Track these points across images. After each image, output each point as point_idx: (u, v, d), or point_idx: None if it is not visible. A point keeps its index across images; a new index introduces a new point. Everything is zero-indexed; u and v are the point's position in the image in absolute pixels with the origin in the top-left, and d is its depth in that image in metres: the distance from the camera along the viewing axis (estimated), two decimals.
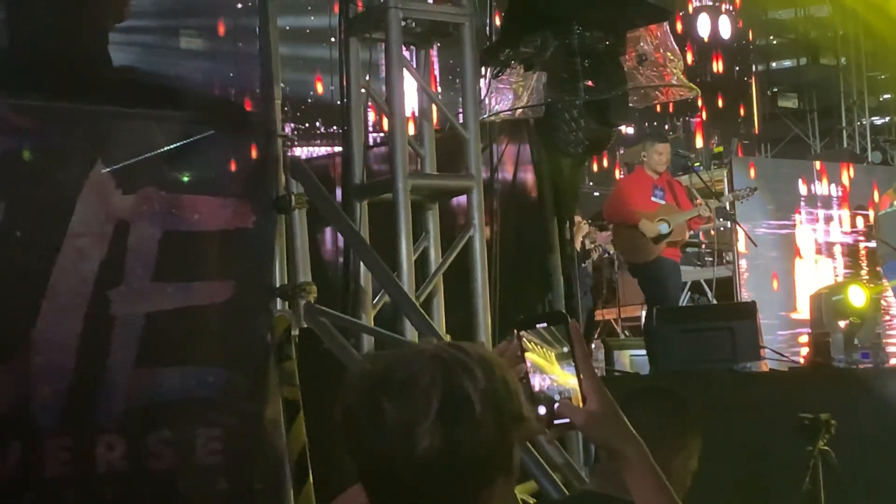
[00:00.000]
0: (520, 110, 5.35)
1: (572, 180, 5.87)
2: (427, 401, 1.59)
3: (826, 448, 5.65)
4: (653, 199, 9.31)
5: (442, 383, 1.60)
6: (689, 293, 11.72)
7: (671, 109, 14.41)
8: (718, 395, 6.70)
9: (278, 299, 4.53)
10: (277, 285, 4.54)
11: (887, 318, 10.93)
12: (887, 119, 19.10)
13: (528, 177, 6.81)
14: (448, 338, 5.21)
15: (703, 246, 12.56)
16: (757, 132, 17.05)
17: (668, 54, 5.14)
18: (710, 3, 16.17)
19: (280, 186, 4.46)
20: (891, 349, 10.33)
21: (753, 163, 12.39)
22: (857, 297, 7.61)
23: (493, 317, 5.46)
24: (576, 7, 4.91)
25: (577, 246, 11.73)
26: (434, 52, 6.14)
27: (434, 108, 5.35)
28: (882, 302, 10.07)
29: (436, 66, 11.22)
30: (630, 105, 5.28)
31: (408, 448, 1.58)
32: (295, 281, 4.54)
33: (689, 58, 14.48)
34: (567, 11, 4.90)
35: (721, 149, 13.17)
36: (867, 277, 12.18)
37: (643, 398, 3.16)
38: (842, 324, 7.65)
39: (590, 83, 4.87)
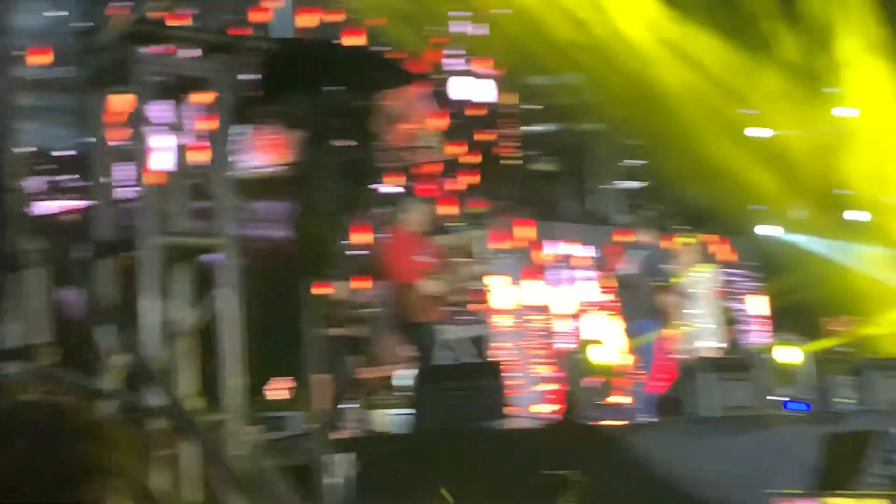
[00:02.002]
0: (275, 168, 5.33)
1: (328, 238, 5.87)
2: None
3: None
4: (419, 258, 9.43)
5: None
6: (448, 351, 11.90)
7: (429, 170, 14.65)
8: (474, 452, 6.80)
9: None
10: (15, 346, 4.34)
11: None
12: (638, 183, 19.98)
13: (285, 234, 6.79)
14: (196, 399, 5.11)
15: (460, 305, 12.78)
16: (514, 195, 17.52)
17: (418, 118, 5.23)
18: (467, 68, 16.59)
19: (16, 243, 4.28)
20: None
21: (509, 225, 12.71)
22: (602, 355, 7.88)
23: (244, 373, 5.38)
24: (331, 69, 4.95)
25: (340, 304, 11.75)
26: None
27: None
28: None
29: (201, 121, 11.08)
30: (384, 165, 5.34)
31: None
32: (31, 341, 4.35)
33: (447, 121, 14.82)
34: (322, 73, 4.93)
35: (480, 210, 13.47)
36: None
37: None
38: (589, 381, 7.89)
39: (343, 143, 4.90)
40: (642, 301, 10.76)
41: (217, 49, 4.90)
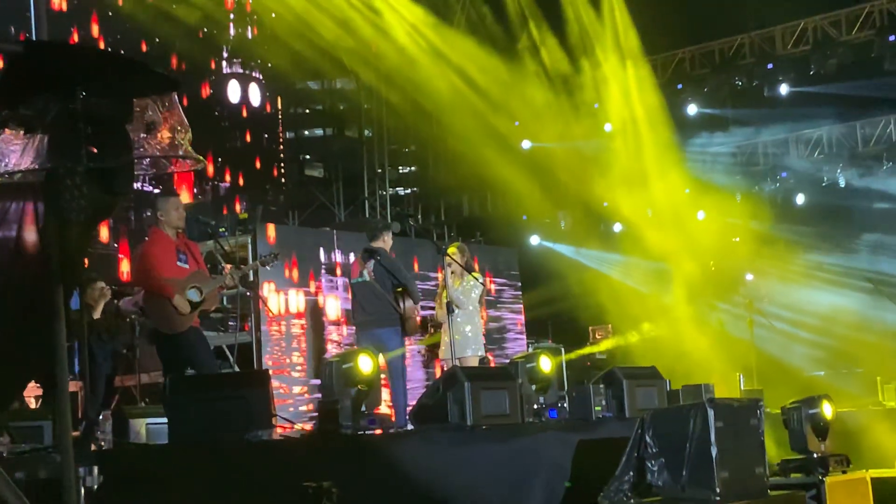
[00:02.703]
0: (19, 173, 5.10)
1: (80, 245, 5.65)
2: None
3: None
4: (178, 263, 9.21)
5: None
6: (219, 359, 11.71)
7: (189, 175, 14.42)
8: (230, 464, 6.69)
9: None
10: None
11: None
12: (408, 190, 20.20)
13: (33, 241, 6.50)
14: None
15: (227, 312, 12.60)
16: (283, 199, 17.43)
17: (177, 125, 5.11)
18: (241, 71, 16.41)
19: None
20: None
21: (276, 230, 12.63)
22: (366, 364, 7.90)
23: None
24: (81, 72, 4.76)
25: (98, 313, 11.39)
26: None
27: None
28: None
29: None
30: (138, 173, 5.18)
31: None
32: None
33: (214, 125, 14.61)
34: (72, 76, 4.73)
35: (246, 215, 13.31)
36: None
37: None
38: (352, 391, 7.89)
39: (93, 150, 4.72)
40: (383, 308, 10.87)
41: None
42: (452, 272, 11.28)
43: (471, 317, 11.36)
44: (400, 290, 10.97)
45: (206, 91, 15.51)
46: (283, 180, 17.47)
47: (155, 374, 11.23)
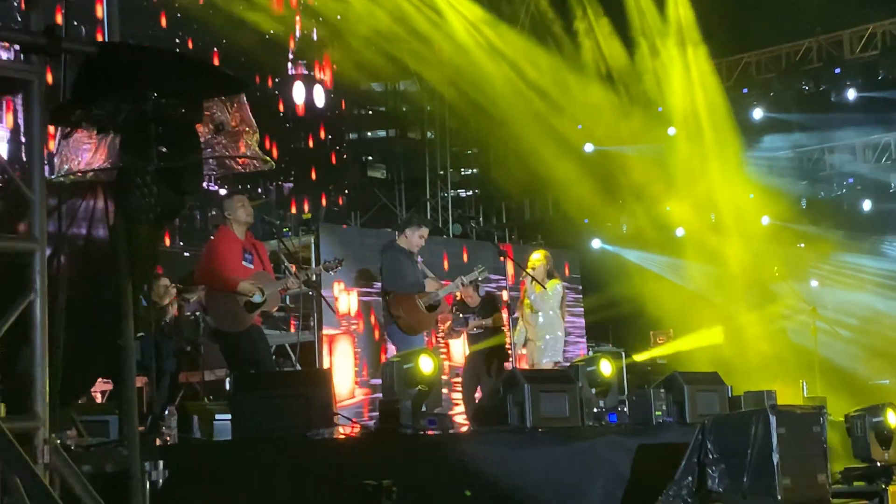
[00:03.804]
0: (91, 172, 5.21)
1: (149, 244, 5.75)
2: None
3: None
4: (243, 263, 9.30)
5: None
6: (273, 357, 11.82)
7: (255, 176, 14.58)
8: (292, 461, 6.76)
9: None
10: None
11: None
12: (470, 192, 20.22)
13: (103, 238, 6.63)
14: (2, 407, 4.95)
15: (289, 311, 12.72)
16: (346, 200, 17.55)
17: (245, 126, 5.19)
18: (306, 73, 16.54)
19: None
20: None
21: (339, 232, 12.73)
22: (427, 365, 7.95)
23: (55, 383, 5.23)
24: (151, 73, 4.85)
25: (172, 309, 11.55)
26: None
27: None
28: None
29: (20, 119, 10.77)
30: (205, 173, 5.27)
31: None
32: None
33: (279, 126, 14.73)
34: (142, 77, 4.83)
35: (310, 215, 13.43)
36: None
37: None
38: (413, 391, 7.94)
39: (164, 150, 4.81)
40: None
41: (35, 50, 4.75)
42: (532, 279, 11.23)
43: (551, 323, 11.31)
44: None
45: (271, 92, 15.67)
46: (345, 181, 17.57)
47: (218, 371, 11.36)
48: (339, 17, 15.89)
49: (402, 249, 10.49)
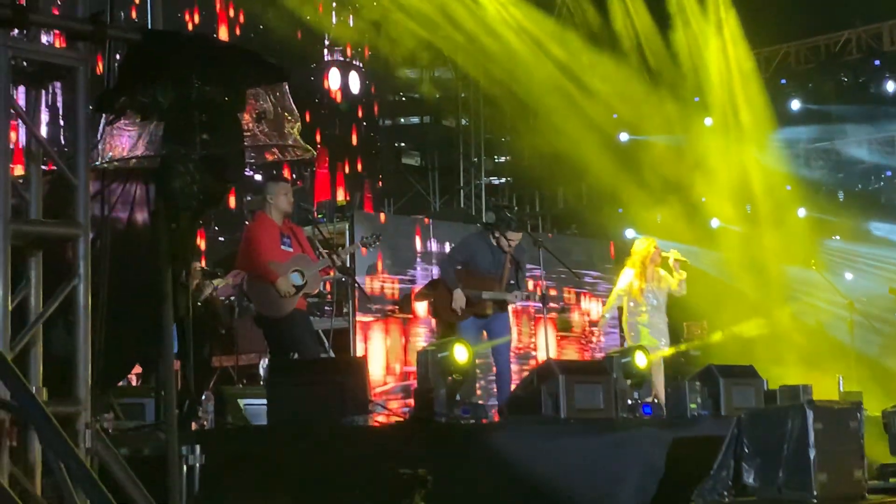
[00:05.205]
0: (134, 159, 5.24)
1: (189, 232, 5.79)
2: None
3: (422, 502, 5.85)
4: (282, 247, 9.34)
5: None
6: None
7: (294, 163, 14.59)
8: (327, 448, 6.80)
9: None
10: None
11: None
12: (503, 180, 20.19)
13: (144, 223, 6.67)
14: (45, 391, 5.00)
15: (328, 297, 12.75)
16: (380, 187, 17.57)
17: (286, 114, 5.20)
18: (341, 59, 16.56)
19: None
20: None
21: (373, 218, 12.76)
22: (462, 354, 7.94)
23: (95, 367, 5.27)
24: (195, 61, 4.88)
25: (207, 291, 11.62)
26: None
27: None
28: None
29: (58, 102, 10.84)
30: (248, 161, 5.29)
31: None
32: None
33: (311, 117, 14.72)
34: (186, 65, 4.85)
35: (344, 202, 13.47)
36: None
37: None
38: (447, 380, 7.93)
39: (206, 137, 4.83)
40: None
41: (81, 37, 4.78)
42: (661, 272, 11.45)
43: (657, 311, 11.66)
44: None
45: (311, 78, 15.71)
46: (379, 168, 17.58)
47: (253, 356, 11.42)
48: (374, 2, 15.89)
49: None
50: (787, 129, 18.04)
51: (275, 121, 5.14)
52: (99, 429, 5.10)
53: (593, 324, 15.65)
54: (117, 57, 5.23)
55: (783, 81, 18.49)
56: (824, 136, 18.57)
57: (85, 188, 4.94)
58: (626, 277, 11.66)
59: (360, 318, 12.13)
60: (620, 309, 11.88)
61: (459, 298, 10.02)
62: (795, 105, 18.31)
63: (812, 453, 6.94)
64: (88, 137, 5.00)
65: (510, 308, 10.51)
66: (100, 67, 4.98)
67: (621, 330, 15.25)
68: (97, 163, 5.27)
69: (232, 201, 14.36)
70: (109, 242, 6.00)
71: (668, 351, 11.57)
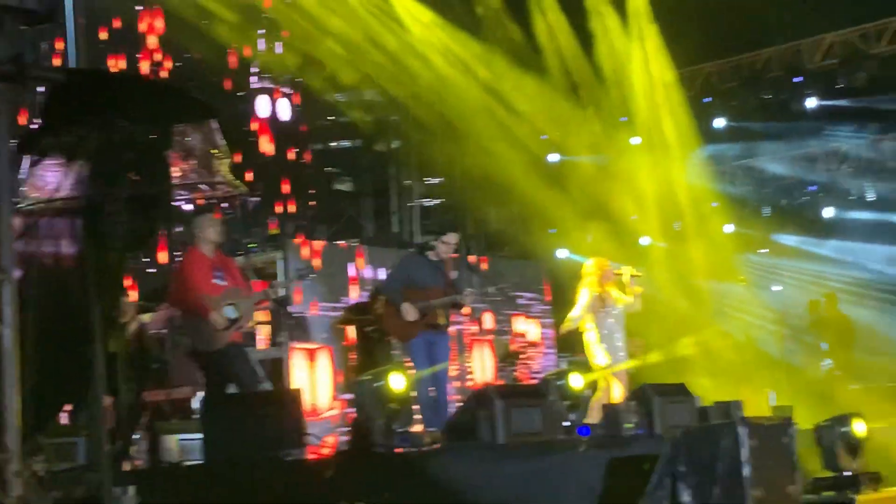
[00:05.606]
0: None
1: (117, 271, 5.72)
2: None
3: None
4: (214, 280, 9.27)
5: None
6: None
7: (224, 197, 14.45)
8: (264, 483, 6.74)
9: None
10: None
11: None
12: (435, 202, 20.16)
13: (71, 255, 6.57)
14: None
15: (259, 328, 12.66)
16: (312, 214, 17.44)
17: (215, 151, 5.17)
18: (270, 86, 16.44)
19: None
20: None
21: (308, 246, 12.69)
22: (398, 383, 7.93)
23: (25, 408, 5.18)
24: (121, 99, 4.84)
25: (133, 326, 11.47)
26: None
27: None
28: None
29: None
30: (176, 199, 5.25)
31: None
32: None
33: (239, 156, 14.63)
34: (112, 103, 4.81)
35: (277, 231, 13.39)
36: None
37: None
38: (384, 409, 7.92)
39: (134, 177, 4.79)
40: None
41: (3, 78, 4.71)
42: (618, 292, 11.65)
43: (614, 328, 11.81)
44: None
45: (240, 106, 15.60)
46: (311, 194, 17.46)
47: (186, 390, 11.29)
48: (299, 29, 15.84)
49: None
50: (711, 146, 18.28)
51: (203, 158, 5.10)
52: (29, 475, 5.00)
53: (532, 345, 15.70)
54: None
55: (708, 100, 18.73)
56: (747, 154, 18.85)
57: (7, 233, 4.85)
58: (584, 298, 11.74)
59: (301, 345, 12.05)
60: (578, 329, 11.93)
61: (409, 311, 10.11)
62: (720, 122, 18.56)
63: (746, 470, 7.01)
64: (11, 179, 4.92)
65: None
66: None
67: (558, 351, 15.38)
68: (21, 205, 5.18)
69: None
70: (37, 277, 5.90)
71: (626, 364, 11.65)
